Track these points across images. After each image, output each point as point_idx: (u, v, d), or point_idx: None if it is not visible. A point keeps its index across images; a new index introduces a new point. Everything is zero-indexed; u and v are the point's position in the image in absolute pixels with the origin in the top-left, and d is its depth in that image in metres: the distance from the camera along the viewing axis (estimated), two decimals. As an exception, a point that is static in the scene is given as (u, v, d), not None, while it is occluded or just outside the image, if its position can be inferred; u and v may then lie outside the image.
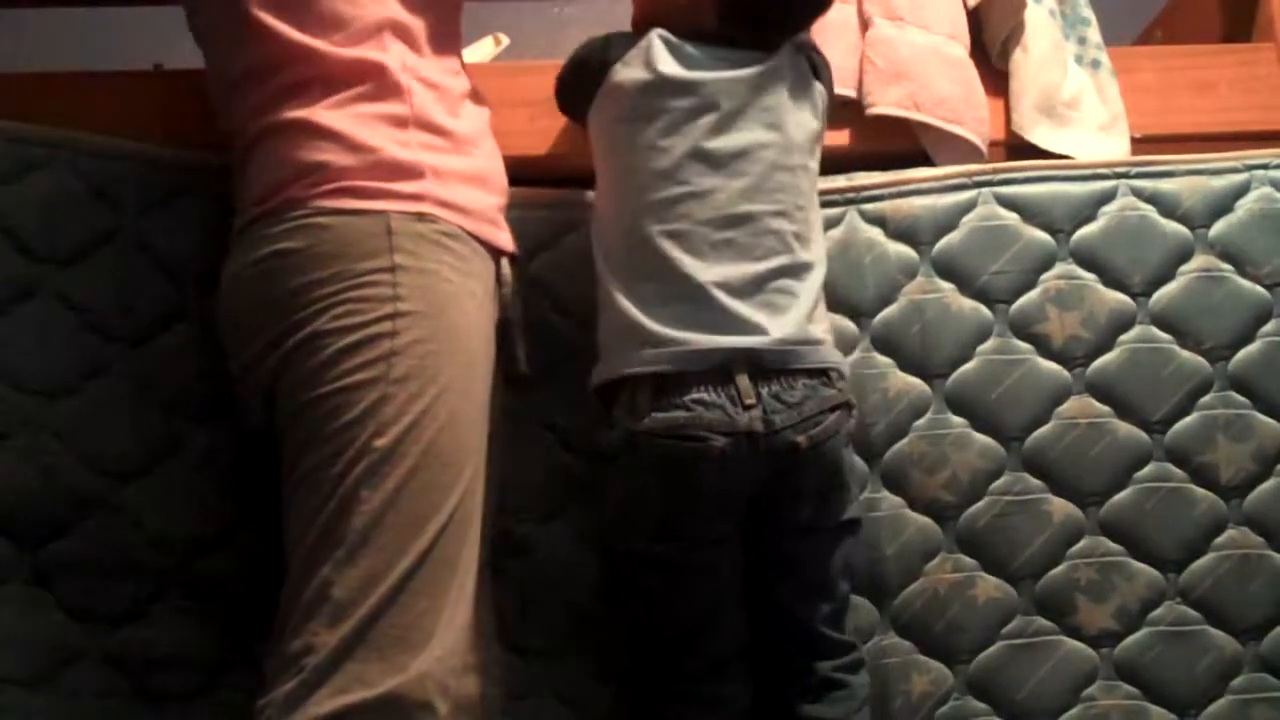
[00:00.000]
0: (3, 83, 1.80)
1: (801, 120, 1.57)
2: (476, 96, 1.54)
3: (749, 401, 1.42)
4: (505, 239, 1.50)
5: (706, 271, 1.46)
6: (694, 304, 1.46)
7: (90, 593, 1.49)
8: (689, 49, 1.54)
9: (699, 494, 1.44)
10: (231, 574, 1.53)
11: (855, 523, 1.54)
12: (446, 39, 1.51)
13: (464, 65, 1.57)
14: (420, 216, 1.36)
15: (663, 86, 1.52)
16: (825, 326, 1.55)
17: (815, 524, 1.50)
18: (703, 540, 1.47)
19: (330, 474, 1.26)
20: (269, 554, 1.49)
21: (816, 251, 1.56)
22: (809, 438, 1.43)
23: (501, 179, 1.52)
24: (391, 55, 1.41)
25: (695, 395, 1.42)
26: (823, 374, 1.47)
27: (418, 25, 1.45)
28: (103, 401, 1.54)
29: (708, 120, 1.52)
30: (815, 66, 1.61)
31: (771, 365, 1.44)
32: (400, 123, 1.39)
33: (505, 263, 1.48)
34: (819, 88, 1.60)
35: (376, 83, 1.39)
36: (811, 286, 1.52)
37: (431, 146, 1.41)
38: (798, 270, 1.51)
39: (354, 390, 1.28)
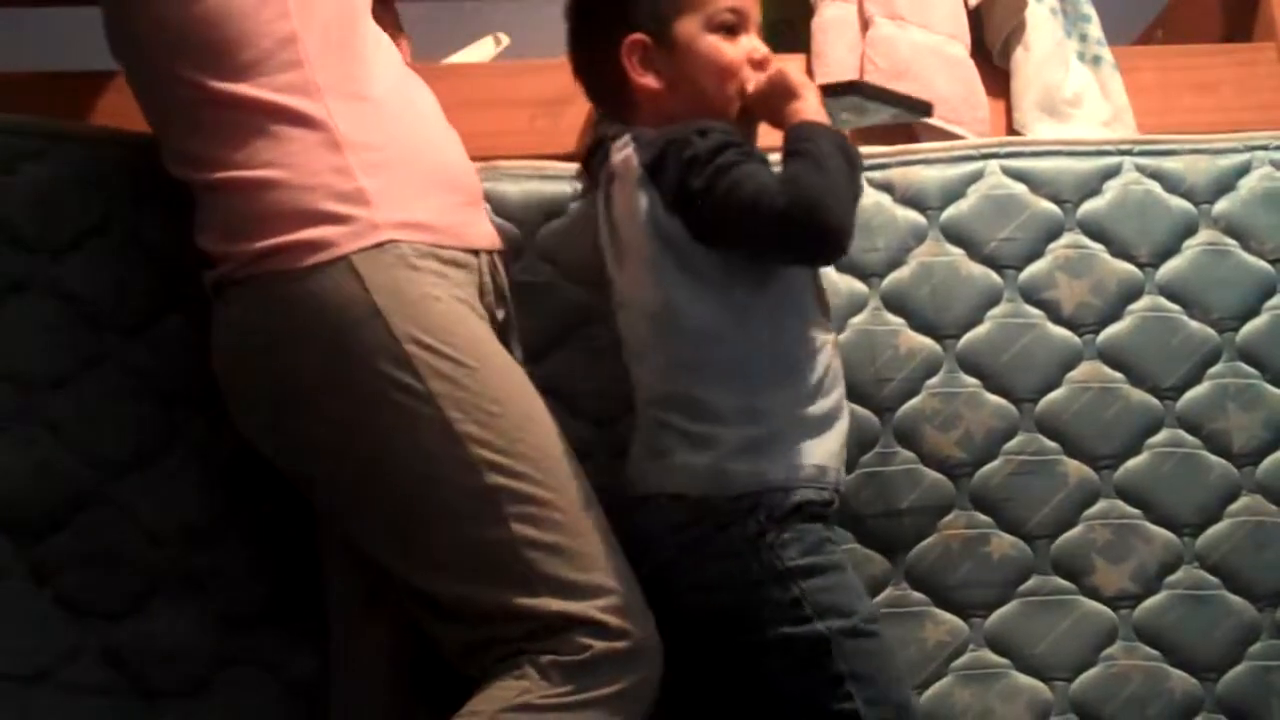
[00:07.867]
0: (2, 82, 1.81)
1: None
2: (407, 92, 1.46)
3: None
4: (479, 234, 1.44)
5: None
6: None
7: (87, 588, 1.46)
8: None
9: None
10: (229, 567, 1.50)
11: None
12: (350, 44, 1.41)
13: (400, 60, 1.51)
14: (379, 246, 1.31)
15: None
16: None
17: None
18: None
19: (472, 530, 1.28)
20: (266, 547, 1.50)
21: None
22: None
23: (462, 173, 1.46)
24: (306, 81, 1.34)
25: None
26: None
27: (319, 40, 1.36)
28: (96, 393, 1.51)
29: None
30: None
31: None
32: (333, 148, 1.33)
33: (487, 259, 1.44)
34: None
35: (298, 114, 1.34)
36: None
37: (371, 166, 1.34)
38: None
39: (400, 433, 1.29)
